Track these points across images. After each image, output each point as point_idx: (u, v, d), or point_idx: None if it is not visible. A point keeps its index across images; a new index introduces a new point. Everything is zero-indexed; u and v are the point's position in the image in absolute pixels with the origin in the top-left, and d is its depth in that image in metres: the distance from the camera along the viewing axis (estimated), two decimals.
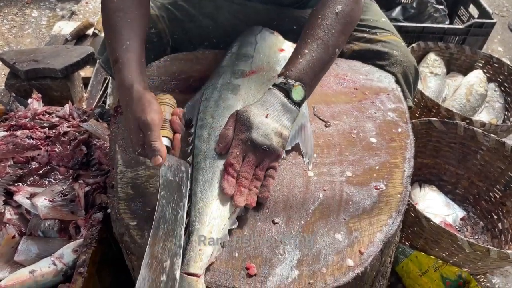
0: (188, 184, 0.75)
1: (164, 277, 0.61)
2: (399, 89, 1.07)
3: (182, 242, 0.66)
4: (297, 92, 0.80)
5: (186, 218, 0.71)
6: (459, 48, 1.88)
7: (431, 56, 1.84)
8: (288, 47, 1.07)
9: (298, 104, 0.81)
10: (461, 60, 1.91)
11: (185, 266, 0.65)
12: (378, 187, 0.83)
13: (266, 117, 0.78)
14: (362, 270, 0.70)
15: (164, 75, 1.05)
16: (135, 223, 0.74)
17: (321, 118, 0.98)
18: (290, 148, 0.87)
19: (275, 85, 0.81)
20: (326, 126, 0.96)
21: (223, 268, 0.69)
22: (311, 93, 0.87)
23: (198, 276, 0.65)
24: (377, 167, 0.87)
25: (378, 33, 1.16)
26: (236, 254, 0.71)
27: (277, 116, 0.79)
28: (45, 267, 0.84)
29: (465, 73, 1.87)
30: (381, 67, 1.11)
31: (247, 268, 0.69)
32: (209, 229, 0.70)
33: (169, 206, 0.69)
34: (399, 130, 0.96)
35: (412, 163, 0.89)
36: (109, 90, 1.82)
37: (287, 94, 0.80)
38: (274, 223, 0.76)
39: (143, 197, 0.78)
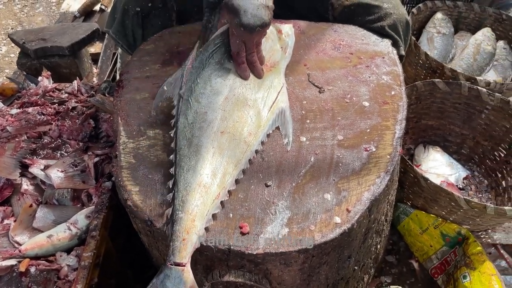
0: None
1: None
2: (394, 51, 1.08)
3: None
4: None
5: (170, 206, 0.74)
6: (468, 6, 1.83)
7: (438, 16, 1.81)
8: (286, 29, 1.06)
9: None
10: (469, 18, 1.86)
11: (170, 257, 0.69)
12: (368, 149, 0.86)
13: None
14: (349, 226, 0.75)
15: (162, 48, 1.08)
16: (137, 189, 0.80)
17: (315, 84, 1.00)
18: (271, 131, 0.88)
19: None
20: (320, 92, 0.98)
21: (218, 227, 0.75)
22: None
23: (184, 265, 0.68)
24: (368, 130, 0.90)
25: None
26: (231, 215, 0.77)
27: None
28: (61, 232, 0.92)
29: (474, 31, 1.83)
30: (372, 21, 1.12)
31: (241, 227, 0.74)
32: (192, 217, 0.71)
33: None
34: (393, 93, 0.97)
35: (403, 125, 0.91)
36: (118, 65, 1.87)
37: None
38: (267, 186, 0.81)
39: (145, 165, 0.83)
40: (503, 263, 1.27)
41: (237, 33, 0.83)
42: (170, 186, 0.77)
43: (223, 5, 0.84)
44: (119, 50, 1.87)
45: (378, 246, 1.08)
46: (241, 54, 0.86)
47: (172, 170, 0.78)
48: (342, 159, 0.85)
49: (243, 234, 0.74)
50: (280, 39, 1.03)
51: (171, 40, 1.11)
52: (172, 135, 0.83)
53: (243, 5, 0.80)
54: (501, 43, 1.78)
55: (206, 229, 0.74)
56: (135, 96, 0.97)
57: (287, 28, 1.07)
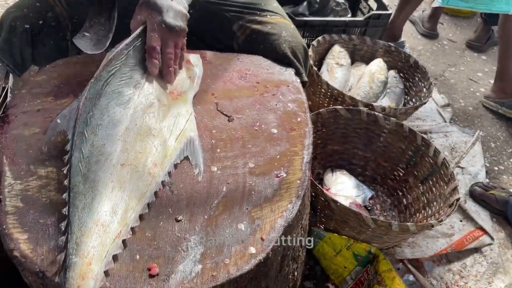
0: None
1: None
2: (298, 80, 1.12)
3: None
4: None
5: (63, 251, 0.66)
6: (361, 39, 2.00)
7: (336, 48, 1.94)
8: (194, 58, 1.04)
9: None
10: (363, 50, 2.03)
11: None
12: (279, 175, 0.86)
13: (172, 0, 0.89)
14: (264, 256, 0.72)
15: (56, 80, 0.99)
16: (26, 237, 0.70)
17: (224, 113, 0.99)
18: (179, 161, 0.85)
19: None
20: (229, 121, 0.97)
21: (123, 272, 0.68)
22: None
23: None
24: (278, 156, 0.90)
25: (268, 16, 1.21)
26: (137, 256, 0.70)
27: None
28: None
29: (367, 62, 2.00)
30: (272, 49, 1.16)
31: (149, 269, 0.68)
32: (88, 261, 0.64)
33: None
34: (299, 119, 1.00)
35: (310, 150, 0.93)
36: (8, 100, 1.69)
37: None
38: (177, 221, 0.76)
39: (35, 208, 0.74)
40: (411, 277, 1.35)
41: (158, 29, 0.87)
42: (63, 229, 0.68)
43: (142, 2, 0.88)
44: (10, 83, 1.70)
45: (295, 273, 1.07)
46: (157, 49, 0.88)
47: (65, 210, 0.70)
48: (255, 187, 0.83)
49: (151, 276, 0.67)
50: (188, 69, 1.02)
51: (66, 70, 1.03)
52: (65, 172, 0.75)
53: (166, 5, 0.88)
54: (392, 72, 1.96)
55: (106, 273, 0.66)
56: (24, 132, 0.86)
57: (195, 58, 1.06)
